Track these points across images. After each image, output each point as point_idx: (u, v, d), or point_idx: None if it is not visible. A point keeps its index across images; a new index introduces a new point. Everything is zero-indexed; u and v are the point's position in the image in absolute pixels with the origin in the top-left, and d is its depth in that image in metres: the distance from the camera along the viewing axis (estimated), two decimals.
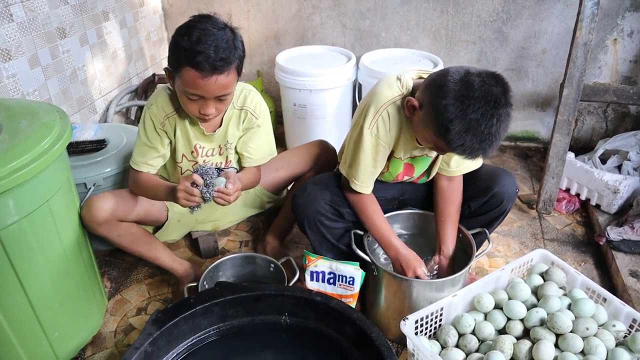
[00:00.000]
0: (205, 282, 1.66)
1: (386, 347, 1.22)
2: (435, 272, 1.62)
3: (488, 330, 1.42)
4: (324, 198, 1.54)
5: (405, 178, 1.63)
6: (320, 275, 1.58)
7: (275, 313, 1.45)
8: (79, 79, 2.30)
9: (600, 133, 2.77)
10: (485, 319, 1.47)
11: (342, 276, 1.56)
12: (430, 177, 1.65)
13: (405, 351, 1.56)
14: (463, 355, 1.38)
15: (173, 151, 1.67)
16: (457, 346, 1.42)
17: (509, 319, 1.45)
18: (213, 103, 1.44)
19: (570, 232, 2.18)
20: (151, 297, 1.82)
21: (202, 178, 1.44)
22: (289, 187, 2.00)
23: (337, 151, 1.85)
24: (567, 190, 2.34)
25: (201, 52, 1.31)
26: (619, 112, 2.69)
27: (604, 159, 2.37)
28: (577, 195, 2.30)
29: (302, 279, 1.62)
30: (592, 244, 2.08)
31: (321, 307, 1.39)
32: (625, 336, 1.36)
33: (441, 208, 1.61)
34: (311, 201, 1.54)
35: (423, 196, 1.72)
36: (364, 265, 1.57)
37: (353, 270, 1.55)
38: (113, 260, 1.99)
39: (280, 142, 2.92)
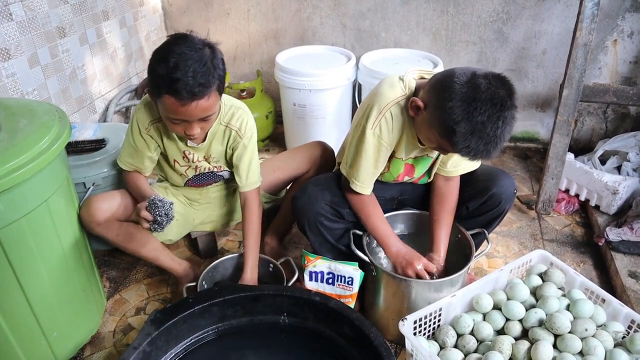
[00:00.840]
0: (204, 282, 1.66)
1: (385, 348, 1.22)
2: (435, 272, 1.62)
3: (487, 330, 1.42)
4: (324, 199, 1.54)
5: (406, 179, 1.62)
6: (319, 275, 1.58)
7: (274, 313, 1.45)
8: (79, 79, 2.30)
9: (599, 134, 2.77)
10: (484, 319, 1.47)
11: (341, 276, 1.56)
12: (431, 178, 1.65)
13: (403, 351, 1.57)
14: (462, 355, 1.38)
15: (165, 155, 1.66)
16: (455, 346, 1.42)
17: (507, 320, 1.45)
18: (197, 124, 1.42)
19: (570, 232, 2.18)
20: (150, 297, 1.82)
21: (151, 212, 1.42)
22: (287, 188, 2.00)
23: (336, 152, 1.84)
24: (567, 191, 2.34)
25: (179, 79, 1.28)
26: (618, 113, 2.69)
27: (603, 160, 2.36)
28: (577, 196, 2.30)
29: (301, 279, 1.62)
30: (591, 245, 2.08)
31: (320, 307, 1.40)
32: (624, 337, 1.36)
33: (436, 208, 1.61)
34: (311, 202, 1.54)
35: (422, 196, 1.72)
36: (362, 265, 1.57)
37: (352, 271, 1.55)
38: (112, 260, 1.99)
39: (280, 141, 2.93)
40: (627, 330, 1.39)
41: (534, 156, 2.82)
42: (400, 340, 1.57)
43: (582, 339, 1.32)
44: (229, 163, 1.70)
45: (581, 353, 1.32)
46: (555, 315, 1.36)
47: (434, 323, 1.46)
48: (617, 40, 2.50)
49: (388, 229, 1.56)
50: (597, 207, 2.22)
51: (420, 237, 1.73)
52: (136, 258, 1.91)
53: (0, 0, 1.81)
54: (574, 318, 1.40)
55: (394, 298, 1.54)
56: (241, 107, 1.63)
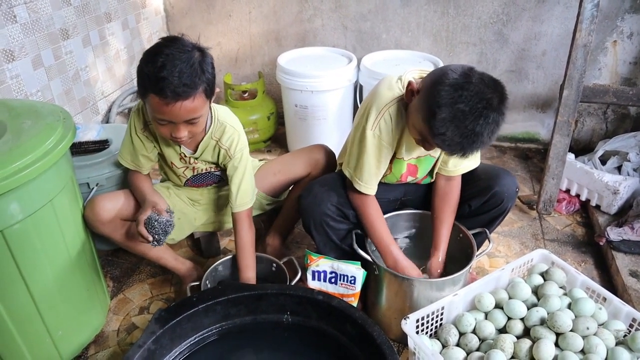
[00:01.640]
0: (207, 282, 1.67)
1: (388, 346, 1.23)
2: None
3: (489, 329, 1.43)
4: (330, 200, 1.55)
5: (410, 179, 1.63)
6: (322, 274, 1.59)
7: (278, 312, 1.46)
8: (82, 80, 2.32)
9: (600, 134, 2.78)
10: (486, 318, 1.48)
11: (344, 275, 1.57)
12: (434, 178, 1.66)
13: (406, 350, 1.57)
14: (464, 354, 1.39)
15: (162, 155, 1.67)
16: (457, 345, 1.43)
17: (509, 318, 1.46)
18: (183, 127, 1.40)
19: (571, 232, 2.19)
20: (154, 297, 1.83)
21: (149, 230, 1.48)
22: (289, 189, 2.00)
23: (337, 154, 1.85)
24: (567, 191, 2.34)
25: (164, 78, 1.28)
26: (618, 113, 2.70)
27: (603, 160, 2.37)
28: (577, 196, 2.31)
29: (303, 279, 1.63)
30: (592, 245, 2.09)
31: (323, 306, 1.40)
32: (625, 335, 1.37)
33: (438, 207, 1.62)
34: (317, 203, 1.55)
35: (424, 196, 1.73)
36: (365, 265, 1.58)
37: (354, 270, 1.56)
38: (115, 260, 2.00)
39: (282, 142, 2.94)
40: (628, 329, 1.40)
41: (534, 157, 2.83)
42: (402, 339, 1.58)
43: (583, 338, 1.33)
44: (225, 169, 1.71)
45: (583, 351, 1.33)
46: (556, 313, 1.37)
47: (436, 322, 1.46)
48: (617, 41, 2.51)
49: (389, 236, 1.56)
50: (597, 207, 2.23)
51: (421, 238, 1.74)
52: (140, 258, 1.92)
53: (4, 2, 1.82)
54: (576, 317, 1.41)
55: (396, 297, 1.55)
56: (233, 125, 1.61)
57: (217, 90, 1.45)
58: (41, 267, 1.35)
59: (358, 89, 2.67)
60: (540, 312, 1.42)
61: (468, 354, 1.39)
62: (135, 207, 1.64)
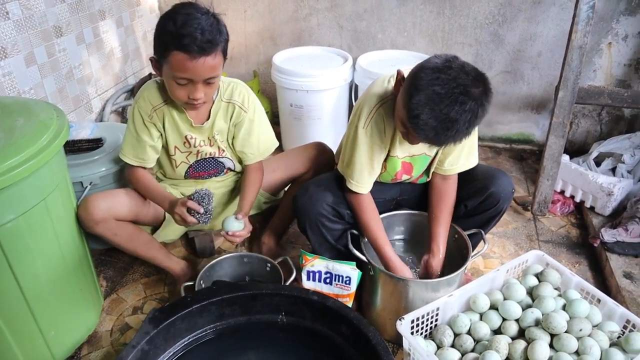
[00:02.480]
0: (201, 281, 1.66)
1: (383, 346, 1.23)
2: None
3: (483, 330, 1.43)
4: (325, 200, 1.54)
5: (405, 177, 1.63)
6: (317, 274, 1.58)
7: (272, 312, 1.45)
8: (75, 78, 2.30)
9: (594, 136, 2.79)
10: (481, 319, 1.48)
11: (339, 276, 1.57)
12: (430, 177, 1.66)
13: (401, 351, 1.57)
14: (459, 355, 1.38)
15: (165, 144, 1.67)
16: (452, 346, 1.43)
17: (504, 319, 1.46)
18: (202, 87, 1.45)
19: (565, 233, 2.19)
20: (147, 297, 1.82)
21: (200, 203, 1.50)
22: (285, 188, 2.00)
23: (335, 152, 1.85)
24: (562, 193, 2.35)
25: (188, 34, 1.34)
26: (613, 115, 2.71)
27: (598, 162, 2.38)
28: (572, 197, 2.32)
29: (298, 279, 1.62)
30: (586, 246, 2.10)
31: (318, 306, 1.40)
32: (619, 337, 1.38)
33: (434, 207, 1.61)
34: (313, 203, 1.54)
35: (420, 196, 1.73)
36: (360, 265, 1.57)
37: (349, 270, 1.55)
38: (109, 260, 1.99)
39: None
40: (622, 330, 1.41)
41: (529, 158, 2.84)
42: (397, 340, 1.58)
43: (578, 339, 1.34)
44: (232, 146, 1.73)
45: (577, 352, 1.33)
46: (551, 315, 1.37)
47: (431, 322, 1.46)
48: (612, 43, 2.52)
49: (383, 236, 1.55)
50: (592, 208, 2.23)
51: (417, 238, 1.74)
52: (133, 257, 1.91)
53: None
54: (570, 318, 1.41)
55: (391, 298, 1.55)
56: (239, 82, 1.68)
57: None
58: (34, 267, 1.34)
59: (353, 88, 2.66)
60: (535, 313, 1.42)
61: (463, 355, 1.39)
62: (129, 206, 1.63)
